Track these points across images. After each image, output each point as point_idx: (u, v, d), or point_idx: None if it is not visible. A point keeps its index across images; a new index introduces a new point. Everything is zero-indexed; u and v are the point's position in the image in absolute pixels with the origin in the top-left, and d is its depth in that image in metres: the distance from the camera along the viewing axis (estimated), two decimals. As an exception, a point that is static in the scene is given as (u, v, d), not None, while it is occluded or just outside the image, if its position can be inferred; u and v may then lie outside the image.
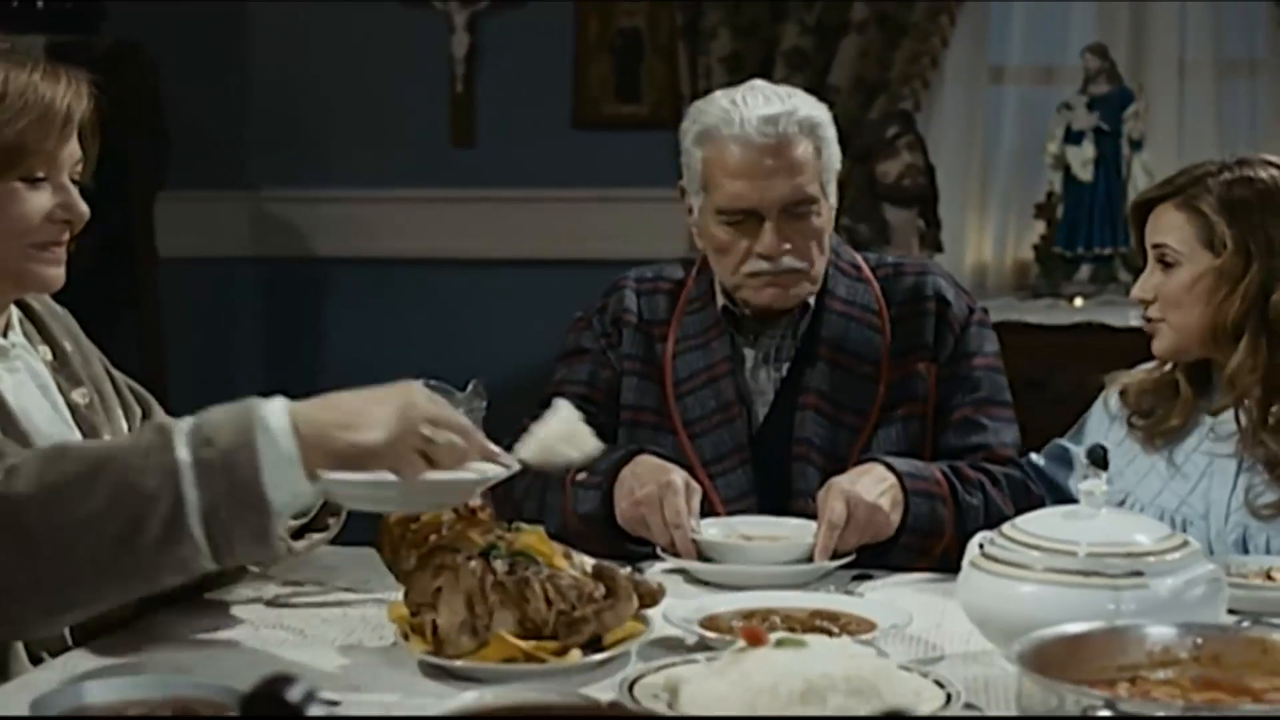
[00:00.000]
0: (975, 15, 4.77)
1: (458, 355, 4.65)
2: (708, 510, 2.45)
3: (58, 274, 1.99)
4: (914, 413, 2.52)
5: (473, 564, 1.85)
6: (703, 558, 2.30)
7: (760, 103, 2.47)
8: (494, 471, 1.86)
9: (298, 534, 2.10)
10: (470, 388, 2.30)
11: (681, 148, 2.60)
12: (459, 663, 1.77)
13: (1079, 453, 2.43)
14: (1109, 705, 1.50)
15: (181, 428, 1.73)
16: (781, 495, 2.48)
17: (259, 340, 5.13)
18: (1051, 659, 1.63)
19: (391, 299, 5.02)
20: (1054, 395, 3.13)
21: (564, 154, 4.94)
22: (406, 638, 1.83)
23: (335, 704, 1.58)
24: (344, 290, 5.08)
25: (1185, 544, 1.90)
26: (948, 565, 2.13)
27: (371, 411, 1.76)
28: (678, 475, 2.37)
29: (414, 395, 1.80)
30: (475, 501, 2.04)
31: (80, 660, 1.84)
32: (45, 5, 4.45)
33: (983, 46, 4.80)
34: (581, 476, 2.44)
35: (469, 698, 1.43)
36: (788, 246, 2.47)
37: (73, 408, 2.04)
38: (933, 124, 4.76)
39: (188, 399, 2.07)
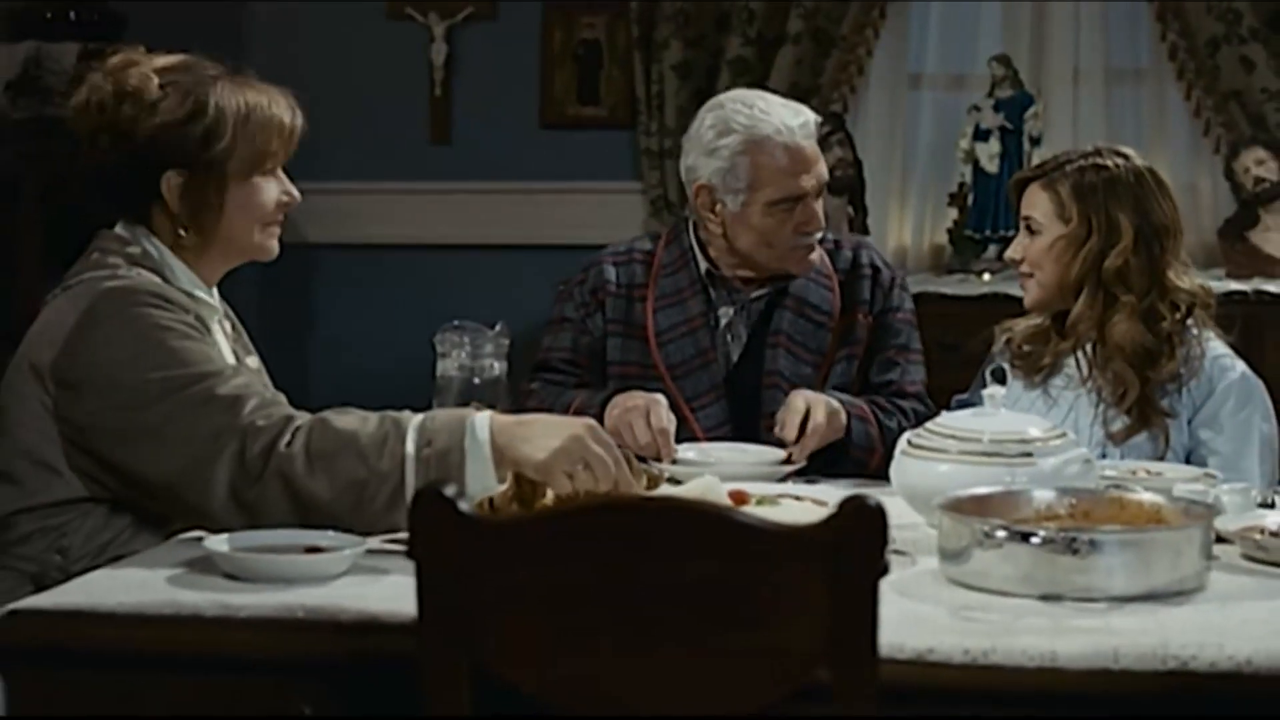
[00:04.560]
0: (896, 29, 4.96)
1: (436, 330, 4.96)
2: (689, 439, 2.86)
3: (277, 245, 2.37)
4: (854, 353, 3.00)
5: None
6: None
7: (789, 113, 2.92)
8: None
9: None
10: (498, 327, 2.73)
11: (711, 157, 2.91)
12: (511, 527, 2.23)
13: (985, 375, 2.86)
14: (1004, 529, 1.93)
15: (412, 424, 2.08)
16: (752, 423, 2.90)
17: (254, 317, 4.77)
18: (963, 511, 2.02)
19: (375, 281, 5.18)
20: (965, 355, 3.23)
21: (532, 151, 5.11)
22: (467, 511, 2.29)
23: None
24: (332, 273, 5.22)
25: (1064, 435, 2.31)
26: (881, 479, 2.52)
27: (548, 435, 2.09)
28: (662, 399, 2.80)
29: (584, 432, 2.10)
30: None
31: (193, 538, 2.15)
32: (76, 15, 4.62)
33: (903, 56, 4.99)
34: (580, 408, 2.84)
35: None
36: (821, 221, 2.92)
37: (246, 371, 2.39)
38: (859, 124, 4.93)
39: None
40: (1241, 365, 2.83)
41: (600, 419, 2.80)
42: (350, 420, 2.13)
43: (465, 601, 1.59)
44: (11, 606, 1.88)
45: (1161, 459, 2.71)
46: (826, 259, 3.02)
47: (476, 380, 2.65)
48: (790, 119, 2.92)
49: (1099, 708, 1.72)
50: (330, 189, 5.03)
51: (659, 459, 2.71)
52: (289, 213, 2.40)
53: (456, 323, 2.73)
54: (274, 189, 2.34)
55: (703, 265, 3.02)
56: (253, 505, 2.08)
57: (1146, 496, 2.14)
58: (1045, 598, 1.90)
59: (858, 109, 4.93)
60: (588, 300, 3.04)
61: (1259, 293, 4.51)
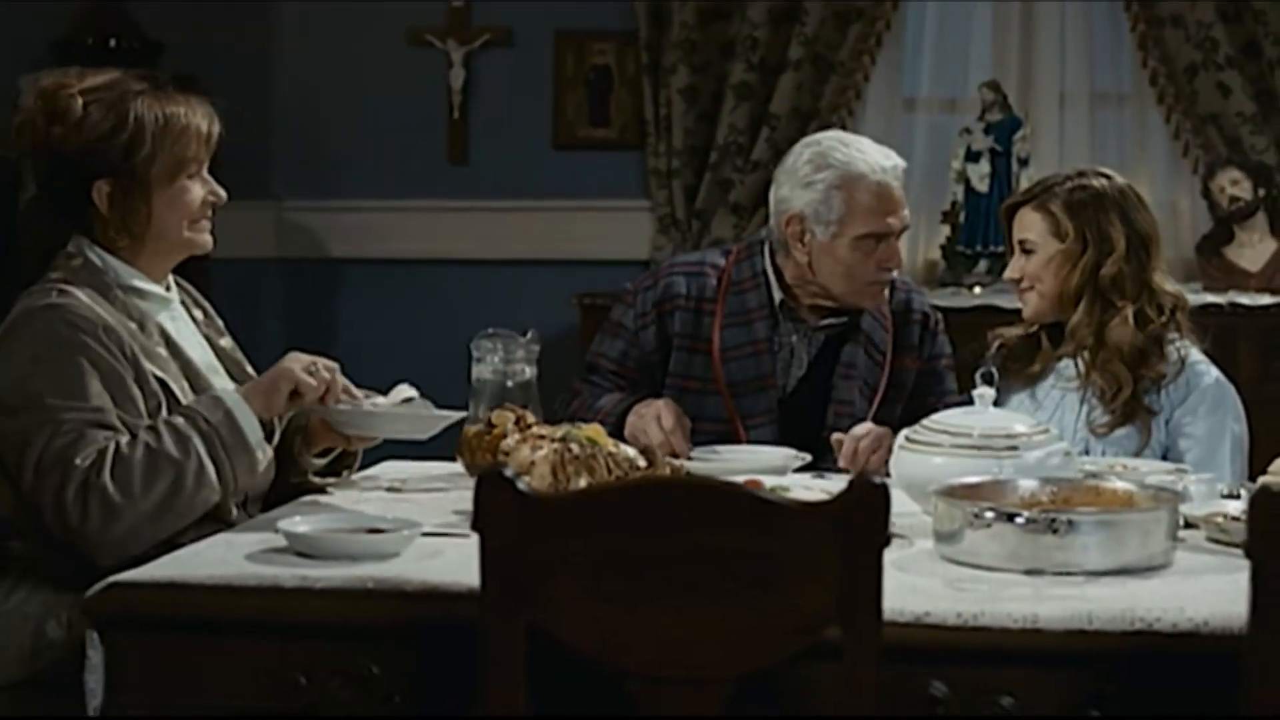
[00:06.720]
0: (892, 56, 5.12)
1: (453, 341, 4.89)
2: None
3: (209, 239, 2.55)
4: (901, 395, 3.11)
5: (556, 445, 2.39)
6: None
7: (881, 155, 3.02)
8: (452, 415, 2.56)
9: (327, 471, 2.68)
10: (529, 335, 2.81)
11: (805, 189, 2.99)
12: (547, 513, 2.37)
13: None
14: (992, 511, 2.11)
15: (182, 420, 2.33)
16: (801, 447, 2.92)
17: (283, 328, 5.25)
18: (956, 496, 2.18)
19: (396, 293, 5.29)
20: (958, 364, 3.34)
21: (545, 170, 5.25)
22: (505, 500, 2.46)
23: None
24: (356, 286, 5.34)
25: (1047, 431, 2.45)
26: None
27: (275, 385, 2.42)
28: (673, 403, 2.94)
29: (293, 367, 2.43)
30: (532, 417, 2.68)
31: (263, 521, 2.38)
32: (116, 43, 4.77)
33: (898, 82, 5.15)
34: (606, 414, 2.99)
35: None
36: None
37: (219, 350, 2.62)
38: (856, 145, 5.18)
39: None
40: (1215, 370, 2.99)
41: (620, 426, 2.95)
42: (138, 439, 2.34)
43: (521, 569, 1.76)
44: (111, 579, 2.07)
45: (1138, 454, 2.86)
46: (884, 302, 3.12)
47: (509, 383, 2.77)
48: (883, 160, 3.02)
49: (1075, 663, 1.90)
50: (353, 206, 5.29)
51: (676, 457, 2.85)
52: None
53: (491, 330, 2.81)
54: (198, 189, 2.52)
55: (777, 295, 3.10)
56: (81, 527, 2.28)
57: (1120, 484, 2.30)
58: (1029, 572, 2.06)
59: (855, 131, 4.58)
60: (648, 310, 3.10)
61: (1233, 304, 4.70)
